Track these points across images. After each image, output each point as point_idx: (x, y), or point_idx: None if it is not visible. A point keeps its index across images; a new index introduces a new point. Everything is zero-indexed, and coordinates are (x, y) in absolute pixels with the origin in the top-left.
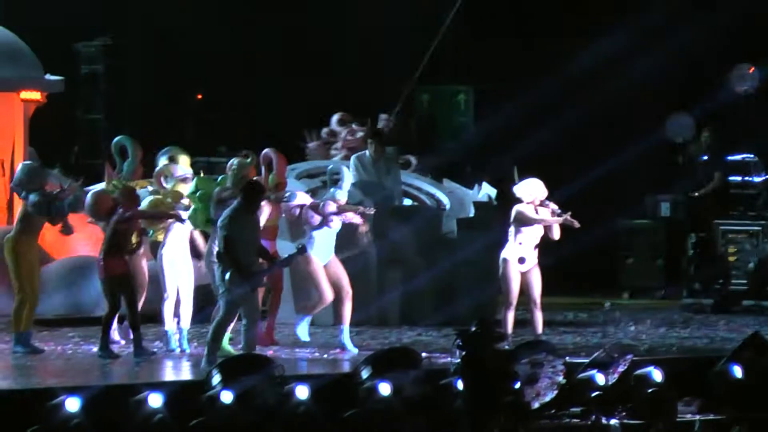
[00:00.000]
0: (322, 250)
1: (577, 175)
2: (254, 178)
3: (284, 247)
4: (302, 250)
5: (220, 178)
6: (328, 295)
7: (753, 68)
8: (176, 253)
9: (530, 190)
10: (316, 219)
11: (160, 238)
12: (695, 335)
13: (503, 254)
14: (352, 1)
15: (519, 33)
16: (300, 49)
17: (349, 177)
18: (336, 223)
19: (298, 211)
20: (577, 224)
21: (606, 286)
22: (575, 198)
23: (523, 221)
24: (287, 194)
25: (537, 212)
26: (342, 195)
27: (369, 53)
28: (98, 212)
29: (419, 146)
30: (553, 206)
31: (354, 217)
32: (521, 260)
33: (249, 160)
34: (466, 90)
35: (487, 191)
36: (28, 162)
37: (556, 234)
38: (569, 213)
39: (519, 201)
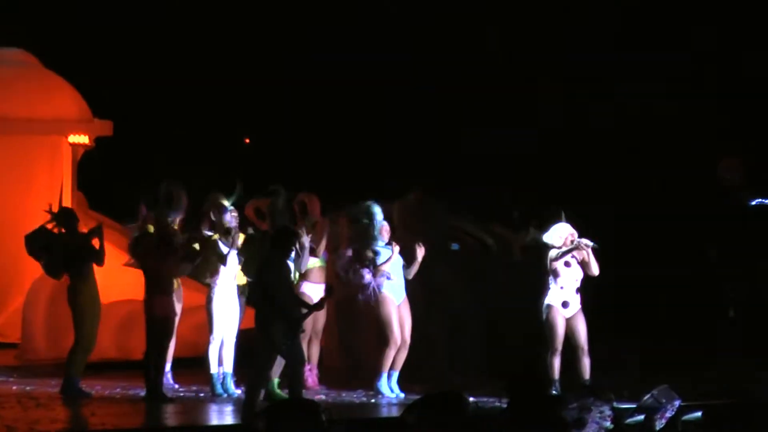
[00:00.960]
0: (395, 289)
1: (622, 219)
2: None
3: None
4: (330, 291)
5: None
6: (398, 337)
7: None
8: (225, 297)
9: (557, 234)
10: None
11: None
12: (742, 380)
13: (546, 301)
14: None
15: (560, 78)
16: (334, 93)
17: (379, 212)
18: (394, 265)
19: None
20: (586, 246)
21: (653, 329)
22: (621, 241)
23: (552, 260)
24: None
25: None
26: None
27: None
28: (138, 254)
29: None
30: (585, 241)
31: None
32: (565, 304)
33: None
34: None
35: (534, 235)
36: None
37: (595, 269)
38: (581, 241)
39: (550, 248)
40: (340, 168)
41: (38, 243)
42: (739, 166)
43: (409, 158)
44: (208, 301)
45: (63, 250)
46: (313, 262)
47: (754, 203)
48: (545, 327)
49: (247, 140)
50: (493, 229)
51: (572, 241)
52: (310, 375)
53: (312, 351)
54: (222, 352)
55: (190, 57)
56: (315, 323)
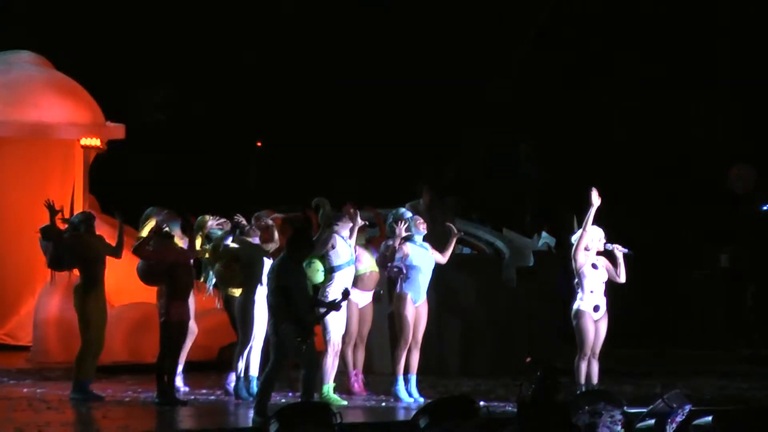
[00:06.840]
0: (416, 289)
1: (637, 226)
2: (300, 227)
3: None
4: (346, 294)
5: None
6: (409, 338)
7: None
8: (260, 302)
9: (590, 236)
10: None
11: (235, 292)
12: (755, 386)
13: (577, 306)
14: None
15: (580, 84)
16: (352, 99)
17: (407, 212)
18: (424, 261)
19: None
20: (620, 252)
21: (666, 336)
22: (634, 248)
23: (580, 262)
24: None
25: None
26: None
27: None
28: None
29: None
30: (616, 246)
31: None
32: (596, 308)
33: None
34: (526, 140)
35: (546, 240)
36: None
37: (622, 276)
38: (618, 245)
39: (575, 251)
40: (351, 170)
41: (46, 236)
42: (751, 173)
43: (420, 162)
44: (247, 307)
45: (64, 249)
46: (365, 268)
47: (766, 208)
48: (576, 332)
49: (259, 144)
50: (505, 234)
51: (601, 249)
52: (356, 380)
53: (357, 356)
54: (240, 355)
55: (203, 60)
56: (361, 328)
